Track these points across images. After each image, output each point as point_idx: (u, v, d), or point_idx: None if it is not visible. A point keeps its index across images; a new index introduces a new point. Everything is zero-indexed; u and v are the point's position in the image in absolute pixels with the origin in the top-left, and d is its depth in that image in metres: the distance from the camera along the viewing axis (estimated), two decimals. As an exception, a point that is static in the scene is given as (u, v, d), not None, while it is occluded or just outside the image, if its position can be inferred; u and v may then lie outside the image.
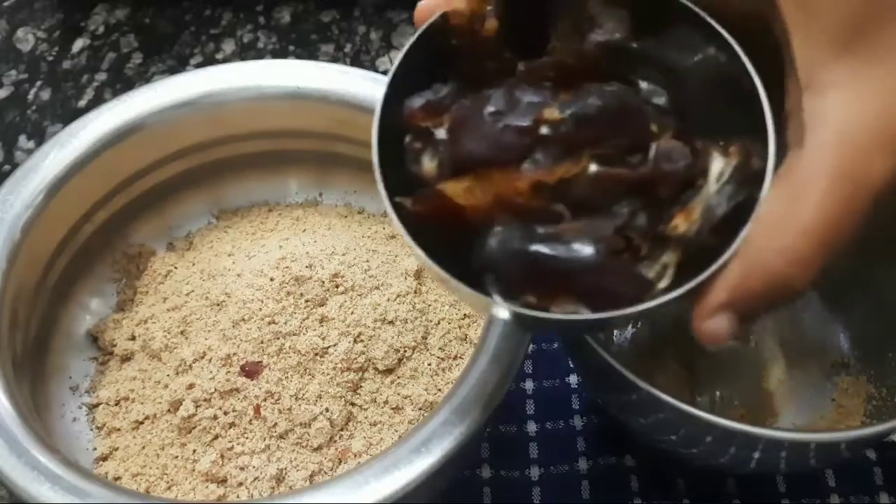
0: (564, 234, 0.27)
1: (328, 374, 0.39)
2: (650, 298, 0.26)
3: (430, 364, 0.40)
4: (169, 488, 0.38)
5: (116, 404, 0.41)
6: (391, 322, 0.40)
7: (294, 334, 0.39)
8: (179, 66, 0.64)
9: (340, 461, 0.38)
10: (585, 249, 0.26)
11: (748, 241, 0.26)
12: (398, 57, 0.28)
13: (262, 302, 0.40)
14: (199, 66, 0.64)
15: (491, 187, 0.27)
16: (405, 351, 0.40)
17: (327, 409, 0.38)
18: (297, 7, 0.69)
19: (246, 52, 0.65)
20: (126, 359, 0.42)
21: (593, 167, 0.27)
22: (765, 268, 0.25)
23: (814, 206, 0.25)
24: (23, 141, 0.59)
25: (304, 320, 0.40)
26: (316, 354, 0.39)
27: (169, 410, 0.39)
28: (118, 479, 0.38)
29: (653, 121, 0.27)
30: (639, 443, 0.43)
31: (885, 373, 0.40)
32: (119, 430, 0.40)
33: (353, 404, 0.39)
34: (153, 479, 0.38)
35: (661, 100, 0.28)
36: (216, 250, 0.45)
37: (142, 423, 0.40)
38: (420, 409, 0.39)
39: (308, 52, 0.66)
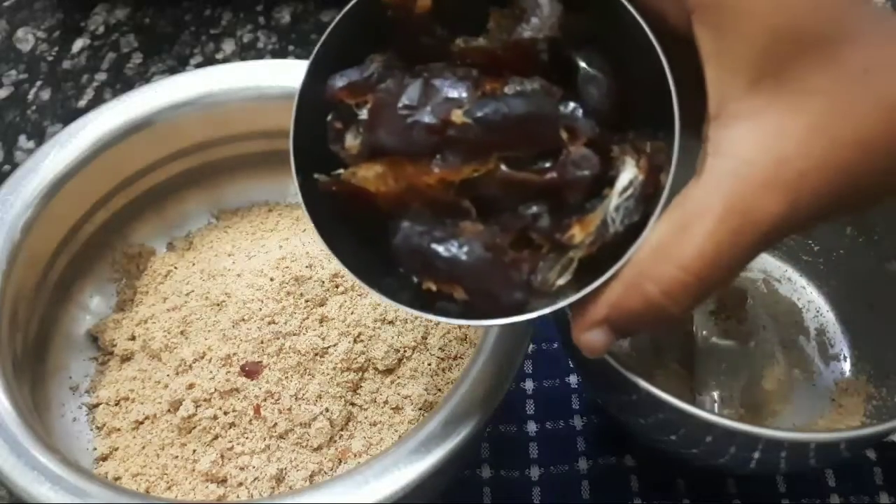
0: (462, 235, 0.27)
1: (328, 374, 0.39)
2: (530, 309, 0.27)
3: (429, 364, 0.40)
4: (169, 488, 0.38)
5: (116, 404, 0.41)
6: (391, 322, 0.40)
7: (294, 334, 0.39)
8: (179, 66, 0.64)
9: (340, 461, 0.38)
10: (477, 253, 0.27)
11: (633, 262, 0.26)
12: (329, 28, 0.28)
13: (262, 302, 0.40)
14: (199, 66, 0.64)
15: (403, 176, 0.27)
16: (405, 351, 0.40)
17: (327, 409, 0.38)
18: (296, 7, 0.69)
19: (246, 52, 0.65)
20: (126, 359, 0.42)
21: (501, 169, 0.27)
22: (642, 293, 0.26)
23: (698, 239, 0.25)
24: (23, 141, 0.59)
25: (304, 320, 0.40)
26: (316, 354, 0.39)
27: (169, 410, 0.39)
28: (118, 479, 0.38)
29: (565, 127, 0.27)
30: (639, 443, 0.43)
31: (884, 373, 0.40)
32: (119, 430, 0.40)
33: (352, 404, 0.39)
34: (153, 480, 0.38)
35: (581, 102, 0.28)
36: (216, 250, 0.45)
37: (142, 423, 0.40)
38: (420, 409, 0.39)
39: (308, 52, 0.65)
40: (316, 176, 0.29)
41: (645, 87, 0.27)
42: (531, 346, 0.46)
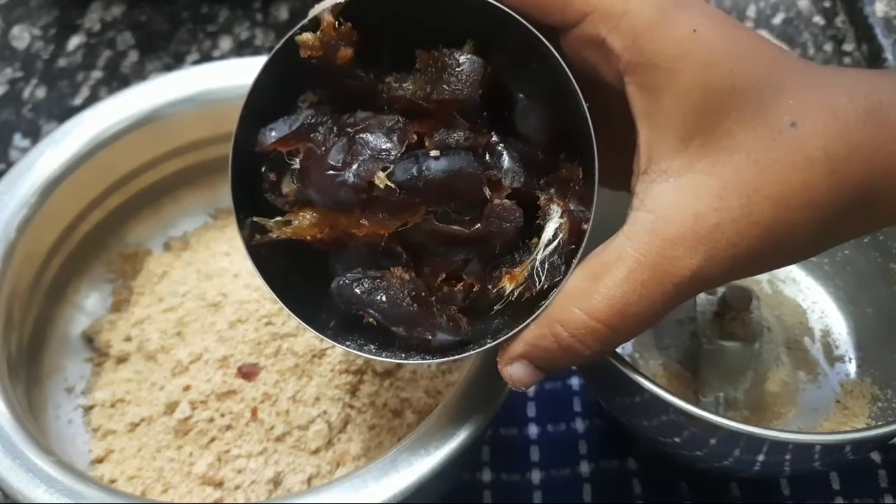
0: (392, 281, 0.29)
1: (326, 376, 0.38)
2: (459, 351, 0.29)
3: (429, 367, 0.40)
4: (165, 491, 0.37)
5: (112, 406, 0.41)
6: (390, 323, 0.40)
7: (291, 335, 0.39)
8: (176, 63, 0.64)
9: (338, 464, 0.38)
10: (405, 304, 0.29)
11: (550, 305, 0.28)
12: (254, 78, 0.28)
13: (259, 303, 0.40)
14: (195, 63, 0.64)
15: (335, 224, 0.29)
16: (405, 352, 0.40)
17: (325, 412, 0.38)
18: (294, 4, 0.68)
19: (243, 49, 0.65)
20: (122, 360, 0.42)
21: (429, 221, 0.28)
22: (555, 334, 0.27)
23: (607, 288, 0.26)
24: (18, 139, 0.59)
25: (302, 321, 0.39)
26: (314, 356, 0.39)
27: (165, 412, 0.38)
28: (114, 481, 0.38)
29: (489, 179, 0.28)
30: (641, 446, 0.42)
31: (890, 375, 0.40)
32: (115, 432, 0.40)
33: (351, 407, 0.39)
34: (149, 482, 0.38)
35: (507, 152, 0.28)
36: (213, 250, 0.45)
37: (137, 425, 0.39)
38: (419, 412, 0.39)
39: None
40: (255, 220, 0.30)
41: (572, 127, 0.28)
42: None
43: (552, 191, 0.29)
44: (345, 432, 0.38)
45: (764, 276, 0.45)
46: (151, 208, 0.47)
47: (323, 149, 0.28)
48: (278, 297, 0.30)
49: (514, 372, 0.29)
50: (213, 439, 0.38)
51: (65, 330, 0.44)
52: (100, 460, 0.39)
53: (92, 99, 0.61)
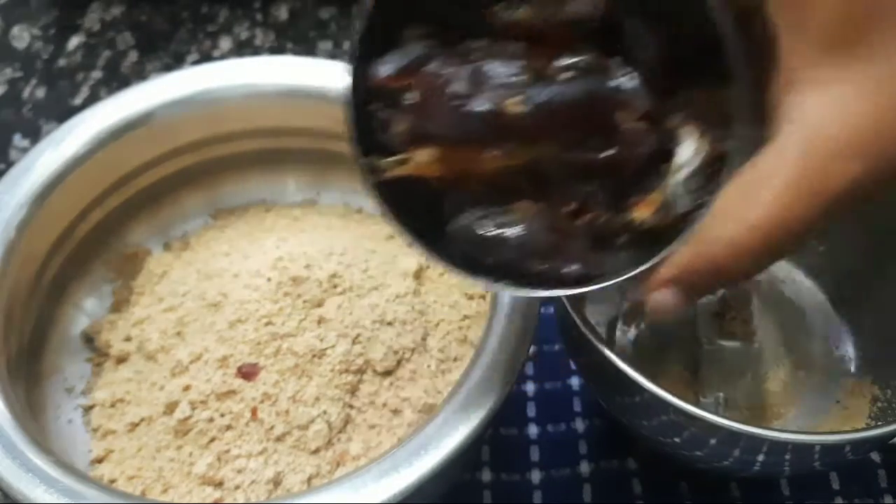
0: (519, 215, 0.28)
1: (326, 375, 0.38)
2: (596, 281, 0.28)
3: (429, 366, 0.40)
4: (165, 491, 0.37)
5: (112, 406, 0.41)
6: (390, 323, 0.40)
7: (291, 335, 0.39)
8: (176, 63, 0.64)
9: (338, 464, 0.38)
10: (535, 234, 0.28)
11: (701, 225, 0.27)
12: (363, 10, 0.28)
13: (259, 303, 0.40)
14: (195, 63, 0.64)
15: (456, 160, 0.28)
16: (404, 352, 0.40)
17: (325, 412, 0.38)
18: (294, 4, 0.68)
19: (243, 49, 0.65)
20: (122, 360, 0.42)
21: (556, 151, 0.27)
22: (709, 255, 0.27)
23: (765, 204, 0.26)
24: (18, 139, 0.59)
25: (301, 321, 0.39)
26: (314, 356, 0.39)
27: (165, 412, 0.38)
28: (114, 481, 0.38)
29: (618, 105, 0.27)
30: (641, 446, 0.42)
31: (890, 374, 0.40)
32: (115, 432, 0.40)
33: (351, 406, 0.39)
34: (149, 482, 0.38)
35: (633, 75, 0.27)
36: (213, 250, 0.45)
37: (137, 425, 0.39)
38: (419, 411, 0.39)
39: (306, 49, 0.65)
40: (373, 160, 0.29)
41: (697, 47, 0.27)
42: (532, 347, 0.46)
43: (683, 113, 0.28)
44: (345, 432, 0.38)
45: (763, 276, 0.45)
46: (151, 209, 0.47)
47: (441, 81, 0.27)
48: (409, 233, 0.29)
49: (661, 298, 0.28)
50: (212, 439, 0.38)
51: (65, 330, 0.43)
52: (100, 460, 0.39)
53: (92, 99, 0.61)
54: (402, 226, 0.29)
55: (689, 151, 0.27)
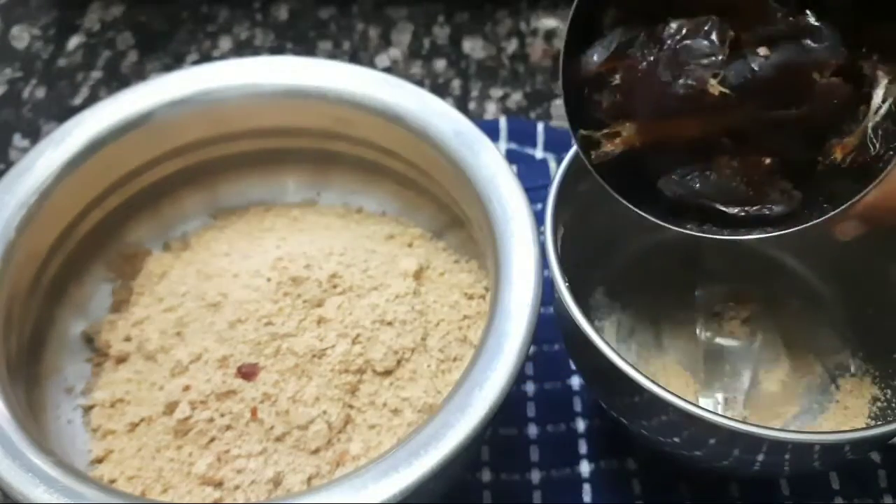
0: (719, 170, 0.31)
1: (326, 375, 0.38)
2: (803, 220, 0.31)
3: (429, 366, 0.40)
4: (165, 491, 0.37)
5: (112, 406, 0.41)
6: (390, 323, 0.40)
7: (291, 335, 0.39)
8: (175, 63, 0.64)
9: (338, 464, 0.38)
10: (738, 187, 0.30)
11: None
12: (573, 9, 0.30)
13: (259, 303, 0.40)
14: (195, 63, 0.64)
15: (659, 130, 0.31)
16: (404, 353, 0.40)
17: (325, 412, 0.38)
18: (294, 4, 0.68)
19: (243, 49, 0.65)
20: (121, 360, 0.42)
21: (753, 114, 0.29)
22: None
23: None
24: (17, 139, 0.59)
25: (301, 321, 0.39)
26: (314, 356, 0.38)
27: (165, 412, 0.38)
28: (113, 481, 0.38)
29: (814, 66, 0.29)
30: (641, 446, 0.42)
31: (889, 374, 0.40)
32: (114, 432, 0.40)
33: (351, 406, 0.39)
34: (149, 482, 0.38)
35: (825, 33, 0.29)
36: (212, 250, 0.45)
37: (137, 425, 0.39)
38: (419, 411, 0.39)
39: (306, 49, 0.65)
40: (585, 133, 0.32)
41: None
42: (532, 347, 0.46)
43: (875, 57, 0.29)
44: (345, 432, 0.38)
45: (763, 276, 0.45)
46: (151, 208, 0.47)
47: (644, 64, 0.30)
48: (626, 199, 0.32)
49: (848, 227, 0.31)
50: (212, 439, 0.38)
51: (64, 330, 0.43)
52: (99, 460, 0.39)
53: (92, 99, 0.61)
54: (617, 192, 0.32)
55: (882, 94, 0.29)
